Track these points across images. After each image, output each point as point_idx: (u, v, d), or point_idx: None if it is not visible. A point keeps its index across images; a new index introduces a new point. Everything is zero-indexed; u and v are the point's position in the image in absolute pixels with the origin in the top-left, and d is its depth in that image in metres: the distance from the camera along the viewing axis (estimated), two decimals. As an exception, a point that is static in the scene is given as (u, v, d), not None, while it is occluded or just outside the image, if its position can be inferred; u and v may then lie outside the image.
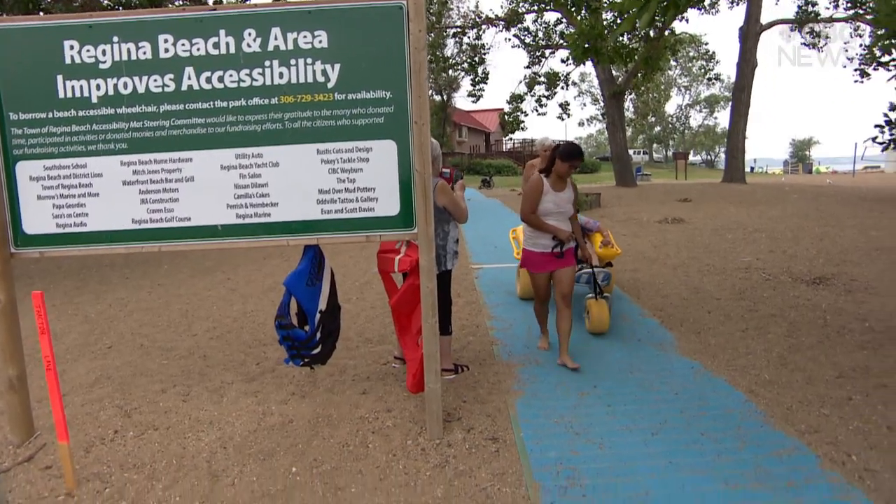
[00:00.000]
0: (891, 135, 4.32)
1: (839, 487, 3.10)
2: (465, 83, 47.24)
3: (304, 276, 3.56)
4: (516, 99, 27.49)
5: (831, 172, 55.97)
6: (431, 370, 3.55)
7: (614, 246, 6.25)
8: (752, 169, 62.79)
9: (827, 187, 24.45)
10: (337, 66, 3.33)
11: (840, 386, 4.32)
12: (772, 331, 5.54)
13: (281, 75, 3.36)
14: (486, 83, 28.20)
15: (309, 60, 3.33)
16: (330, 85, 3.34)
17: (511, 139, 54.79)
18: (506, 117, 28.17)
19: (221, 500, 3.10)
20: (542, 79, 27.48)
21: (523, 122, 22.92)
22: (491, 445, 3.55)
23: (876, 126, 4.42)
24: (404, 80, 3.31)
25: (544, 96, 27.47)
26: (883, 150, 4.56)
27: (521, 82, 27.42)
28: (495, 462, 3.38)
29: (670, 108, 77.64)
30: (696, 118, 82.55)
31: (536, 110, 23.53)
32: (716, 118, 74.65)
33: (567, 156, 4.53)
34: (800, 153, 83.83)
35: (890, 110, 4.27)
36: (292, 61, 3.34)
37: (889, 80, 5.60)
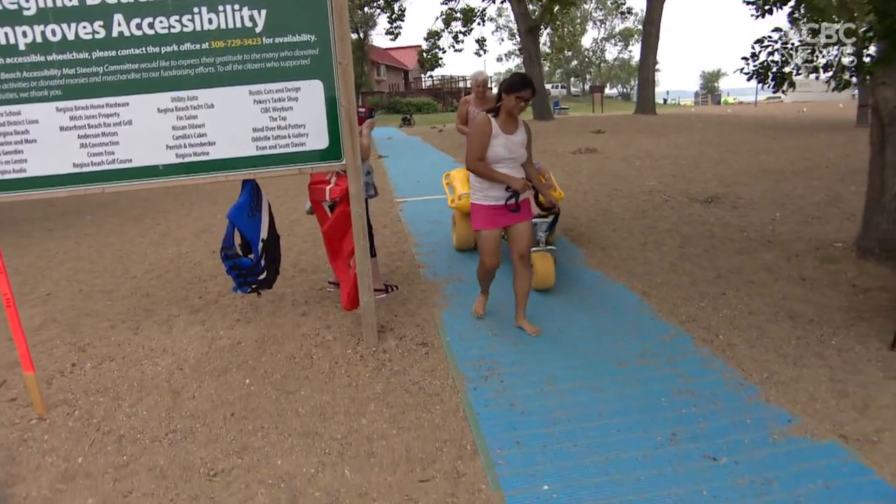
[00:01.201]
0: (754, 66, 4.79)
1: (706, 359, 3.80)
2: (382, 21, 46.28)
3: (244, 209, 3.89)
4: (433, 36, 27.40)
5: (737, 103, 58.65)
6: (364, 286, 4.00)
7: (557, 189, 5.77)
8: (665, 101, 64.93)
9: (729, 117, 25.91)
10: (263, 12, 3.58)
11: (717, 284, 5.06)
12: (667, 243, 6.27)
13: (210, 21, 3.57)
14: (402, 20, 27.90)
15: (236, 6, 3.56)
16: (258, 30, 3.60)
17: (431, 77, 54.43)
18: (424, 55, 28.10)
19: (185, 410, 3.49)
20: (459, 15, 27.43)
21: (441, 58, 23.01)
22: (421, 349, 4.07)
23: (742, 58, 4.90)
24: (327, 23, 3.60)
25: (461, 32, 27.50)
26: (748, 81, 5.05)
27: (437, 18, 27.31)
28: (425, 362, 3.90)
29: (586, 41, 78.66)
30: (611, 52, 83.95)
31: (454, 47, 23.61)
32: (630, 52, 76.17)
33: (511, 87, 3.82)
34: (709, 85, 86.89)
35: (755, 42, 4.74)
36: (220, 7, 3.56)
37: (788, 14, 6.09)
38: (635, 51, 74.88)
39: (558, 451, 2.93)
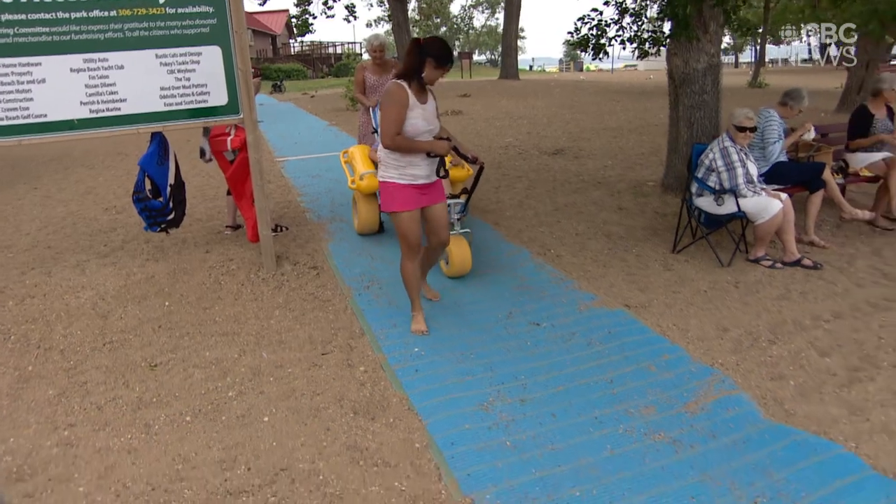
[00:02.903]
0: (577, 38, 5.84)
1: (539, 265, 4.95)
2: (247, -18, 44.62)
3: (154, 157, 4.51)
4: (304, 1, 27.25)
5: (597, 70, 62.44)
6: (263, 221, 4.77)
7: (465, 166, 5.22)
8: (531, 67, 67.72)
9: (584, 83, 28.10)
10: (165, -15, 4.19)
11: (554, 215, 6.27)
12: (516, 187, 7.44)
13: (117, -9, 4.14)
14: (269, -17, 27.44)
15: (140, -21, 4.15)
16: (161, 0, 4.21)
17: (301, 42, 53.38)
18: (294, 20, 27.89)
19: (116, 328, 4.13)
20: (328, -20, 27.39)
21: (312, 24, 23.08)
22: (313, 271, 4.92)
23: (568, 32, 5.94)
24: (223, -4, 4.28)
25: (331, -2, 27.51)
26: (573, 50, 6.09)
27: (306, -17, 27.09)
28: (317, 280, 4.76)
29: (454, 8, 79.81)
30: (479, 19, 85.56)
31: (325, 13, 23.72)
32: (497, 19, 78.33)
33: (442, 59, 3.42)
34: (572, 52, 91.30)
35: (578, 20, 5.77)
36: (125, -21, 4.13)
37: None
38: (501, 18, 77.20)
39: (428, 324, 3.92)
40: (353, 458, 2.74)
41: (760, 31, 25.98)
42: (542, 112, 15.26)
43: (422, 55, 3.41)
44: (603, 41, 6.56)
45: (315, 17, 22.45)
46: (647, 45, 6.41)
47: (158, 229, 4.75)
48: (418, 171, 3.57)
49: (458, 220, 4.65)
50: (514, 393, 3.20)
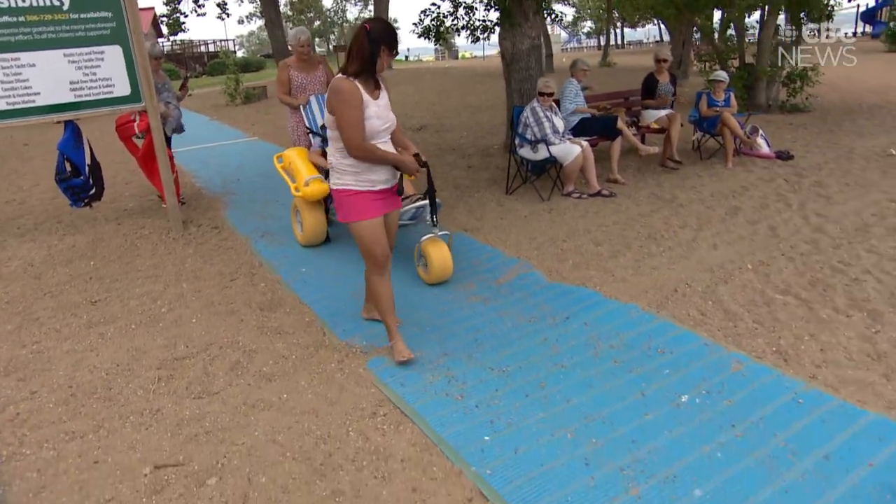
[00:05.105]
0: (421, 28, 6.95)
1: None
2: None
3: (70, 142, 5.35)
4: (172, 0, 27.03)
5: (472, 57, 64.75)
6: (170, 191, 5.72)
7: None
8: (407, 57, 69.07)
9: (453, 69, 29.75)
10: (68, -5, 5.04)
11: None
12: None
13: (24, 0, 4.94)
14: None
15: (46, -9, 4.98)
16: (65, 7, 5.05)
17: (171, 41, 51.80)
18: (165, 19, 27.59)
19: (51, 283, 4.96)
20: (195, -23, 27.29)
21: (184, 22, 23.12)
22: (215, 230, 5.93)
23: (413, 23, 7.01)
24: (120, 2, 5.17)
25: (200, -5, 27.44)
26: (418, 38, 7.18)
27: (172, -19, 26.87)
28: (219, 236, 5.79)
29: (327, 2, 79.60)
30: (352, 12, 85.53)
31: (196, 11, 23.79)
32: (370, 11, 78.92)
33: (393, 41, 3.06)
34: (448, 41, 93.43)
35: (421, 12, 6.90)
36: (33, -8, 4.95)
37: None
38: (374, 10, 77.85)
39: (311, 254, 5.07)
40: (262, 332, 3.88)
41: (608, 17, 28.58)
42: (411, 97, 16.57)
43: (375, 43, 2.99)
44: (442, 30, 7.91)
45: (186, 16, 22.51)
46: (478, 32, 7.81)
47: (83, 204, 5.59)
48: (377, 175, 3.18)
49: (434, 220, 4.17)
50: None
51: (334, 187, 3.25)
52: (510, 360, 3.40)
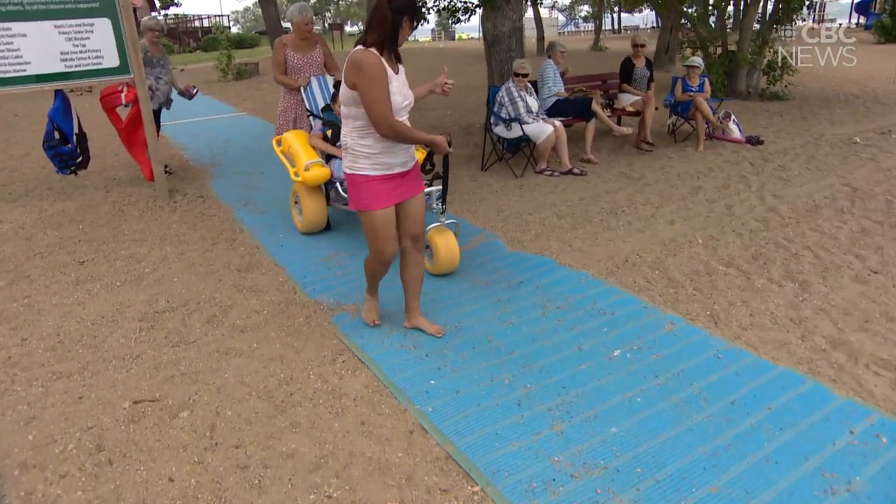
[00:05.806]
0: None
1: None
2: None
3: (59, 111, 5.58)
4: (164, -27, 26.97)
5: (469, 39, 64.59)
6: (157, 161, 5.97)
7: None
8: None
9: (445, 50, 29.92)
10: (59, -31, 5.25)
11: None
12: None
13: (16, -26, 5.15)
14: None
15: (38, -34, 5.19)
16: (55, -19, 5.27)
17: (165, 16, 51.46)
18: (157, -7, 27.54)
19: (41, 244, 5.21)
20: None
21: (177, -3, 23.10)
22: (200, 199, 6.19)
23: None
24: (108, -23, 5.39)
25: (193, -30, 27.39)
26: None
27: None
28: (204, 204, 6.05)
29: (324, -21, 78.95)
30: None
31: (188, -15, 23.76)
32: (367, -11, 78.32)
33: (418, 11, 3.02)
34: (444, 22, 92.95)
35: None
36: (24, -34, 5.16)
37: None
38: (372, -11, 77.20)
39: (291, 224, 5.33)
40: (238, 290, 4.17)
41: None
42: (403, 77, 16.75)
43: (398, 13, 2.82)
44: (424, 10, 8.13)
45: (179, -9, 22.44)
46: (459, 13, 8.05)
47: (69, 171, 5.83)
48: (394, 158, 2.99)
49: (440, 207, 4.07)
50: (350, 248, 4.73)
51: (348, 171, 3.01)
52: (464, 317, 3.70)
